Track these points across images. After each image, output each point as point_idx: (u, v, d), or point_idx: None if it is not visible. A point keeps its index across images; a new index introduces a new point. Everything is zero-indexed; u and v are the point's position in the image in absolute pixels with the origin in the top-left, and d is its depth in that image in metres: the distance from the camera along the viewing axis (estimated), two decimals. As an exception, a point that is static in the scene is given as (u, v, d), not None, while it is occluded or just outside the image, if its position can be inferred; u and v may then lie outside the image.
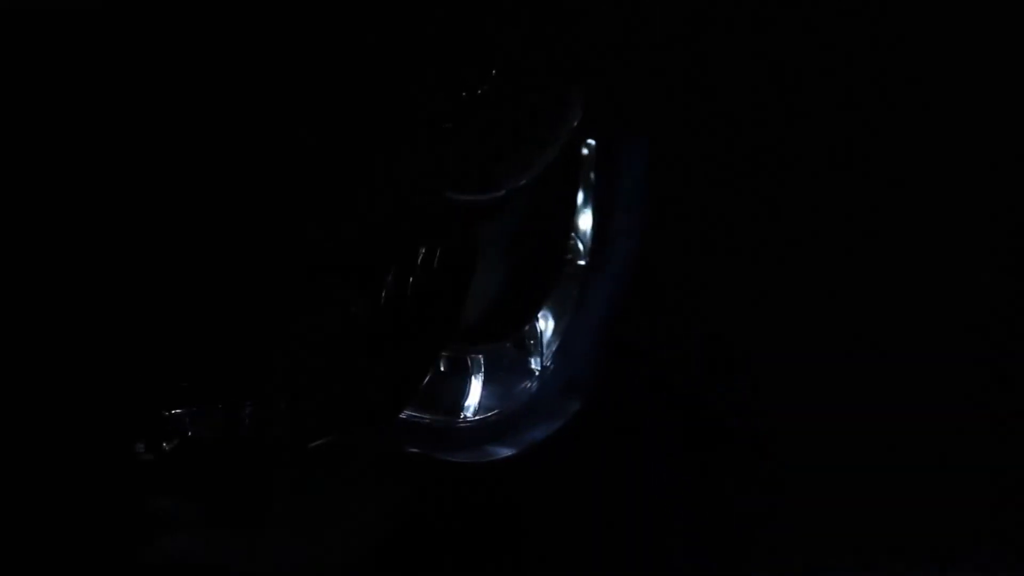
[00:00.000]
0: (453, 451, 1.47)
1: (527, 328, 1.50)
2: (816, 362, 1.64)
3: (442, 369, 1.47)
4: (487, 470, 1.47)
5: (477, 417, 1.48)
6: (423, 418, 1.46)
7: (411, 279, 1.36)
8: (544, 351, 1.50)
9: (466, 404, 1.48)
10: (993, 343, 1.67)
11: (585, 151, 1.52)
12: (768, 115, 1.59)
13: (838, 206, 1.61)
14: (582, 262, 1.52)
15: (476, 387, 1.47)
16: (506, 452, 1.48)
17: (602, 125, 1.49)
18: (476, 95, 1.30)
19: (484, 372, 1.50)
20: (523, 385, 1.50)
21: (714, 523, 1.62)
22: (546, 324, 1.52)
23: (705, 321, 1.62)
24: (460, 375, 1.47)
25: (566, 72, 1.34)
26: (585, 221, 1.54)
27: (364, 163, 1.32)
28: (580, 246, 1.52)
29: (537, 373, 1.51)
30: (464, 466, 1.46)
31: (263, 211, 1.32)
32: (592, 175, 1.51)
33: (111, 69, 1.24)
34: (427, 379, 1.46)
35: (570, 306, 1.51)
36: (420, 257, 1.36)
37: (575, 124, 1.36)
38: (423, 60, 1.28)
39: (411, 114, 1.30)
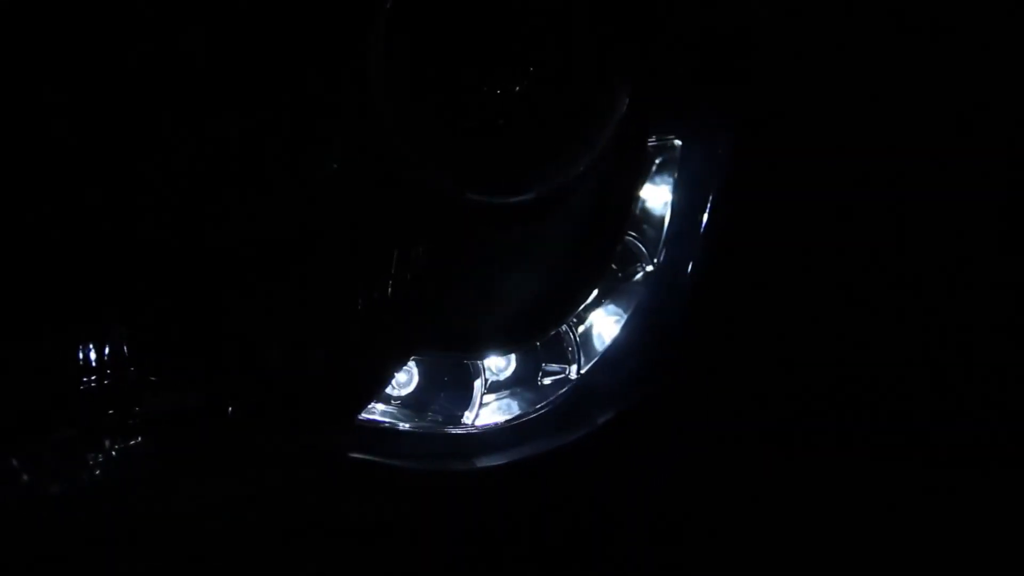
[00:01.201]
0: (459, 459, 1.46)
1: (564, 334, 1.48)
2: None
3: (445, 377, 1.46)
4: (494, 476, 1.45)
5: (483, 425, 1.46)
6: (429, 427, 1.45)
7: (391, 283, 1.35)
8: (582, 358, 1.48)
9: (467, 413, 1.46)
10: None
11: (670, 151, 1.49)
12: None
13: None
14: (648, 267, 1.48)
15: (479, 394, 1.45)
16: (516, 459, 1.46)
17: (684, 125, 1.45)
18: (511, 94, 1.29)
19: (514, 377, 1.49)
20: (553, 393, 1.48)
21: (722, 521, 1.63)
22: (595, 330, 1.50)
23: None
24: (466, 382, 1.45)
25: (607, 73, 1.32)
26: (656, 224, 1.48)
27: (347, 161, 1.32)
28: (644, 250, 1.49)
29: (572, 380, 1.48)
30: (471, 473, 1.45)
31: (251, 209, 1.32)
32: (676, 175, 1.48)
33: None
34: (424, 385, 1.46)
35: (630, 312, 1.48)
36: (396, 261, 1.35)
37: (616, 129, 1.32)
38: (449, 58, 1.27)
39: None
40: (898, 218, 1.66)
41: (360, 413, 1.40)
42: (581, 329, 1.49)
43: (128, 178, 1.29)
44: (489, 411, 1.47)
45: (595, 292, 1.48)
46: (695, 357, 1.52)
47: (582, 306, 1.46)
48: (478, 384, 1.44)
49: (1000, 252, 1.68)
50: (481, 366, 1.45)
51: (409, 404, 1.45)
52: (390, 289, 1.34)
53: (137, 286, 1.31)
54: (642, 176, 1.46)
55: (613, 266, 1.48)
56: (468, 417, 1.45)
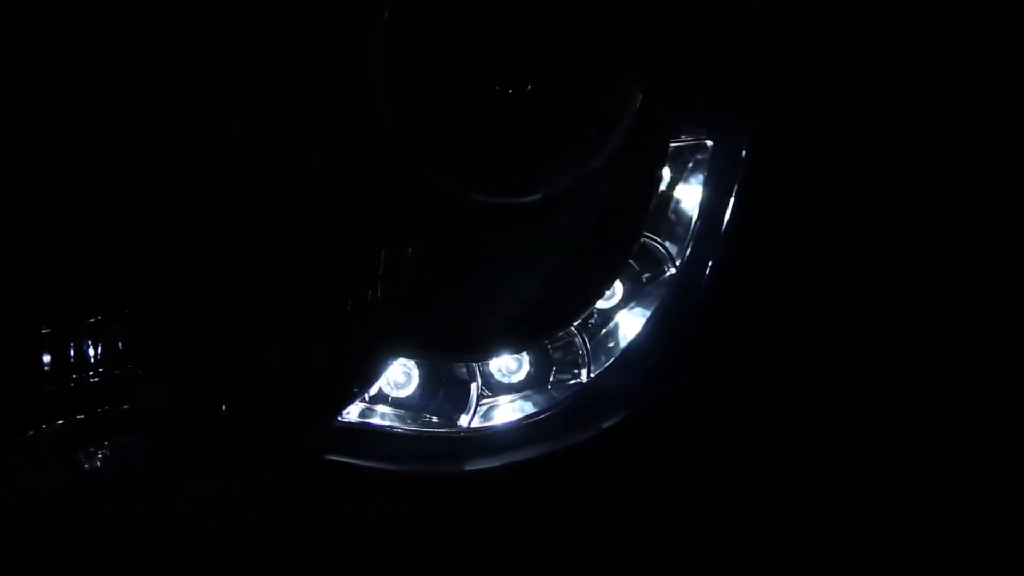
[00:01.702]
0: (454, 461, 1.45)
1: (575, 337, 1.46)
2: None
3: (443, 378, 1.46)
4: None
5: (478, 428, 1.46)
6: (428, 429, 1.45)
7: (379, 283, 1.35)
8: (593, 362, 1.47)
9: (464, 416, 1.45)
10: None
11: (703, 151, 1.47)
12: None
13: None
14: (672, 270, 1.47)
15: (475, 397, 1.45)
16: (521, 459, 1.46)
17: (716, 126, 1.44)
18: (512, 94, 1.29)
19: (526, 380, 1.47)
20: (560, 396, 1.47)
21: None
22: (618, 333, 1.48)
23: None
24: (464, 384, 1.45)
25: (608, 73, 1.32)
26: (687, 225, 1.47)
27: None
28: (669, 252, 1.46)
29: (582, 383, 1.47)
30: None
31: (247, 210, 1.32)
32: (704, 175, 1.46)
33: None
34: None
35: (650, 315, 1.46)
36: (385, 261, 1.35)
37: (625, 130, 1.31)
38: (449, 58, 1.27)
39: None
40: (898, 218, 1.66)
41: (342, 412, 1.40)
42: (604, 331, 1.48)
43: (128, 178, 1.29)
44: (495, 413, 1.46)
45: (621, 295, 1.48)
46: (699, 358, 1.51)
47: (590, 308, 1.45)
48: (474, 387, 1.44)
49: (1000, 252, 1.68)
50: (477, 369, 1.45)
51: (407, 406, 1.45)
52: (379, 290, 1.34)
53: (137, 286, 1.31)
54: (659, 177, 1.44)
55: (637, 268, 1.47)
56: (464, 420, 1.45)
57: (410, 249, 1.34)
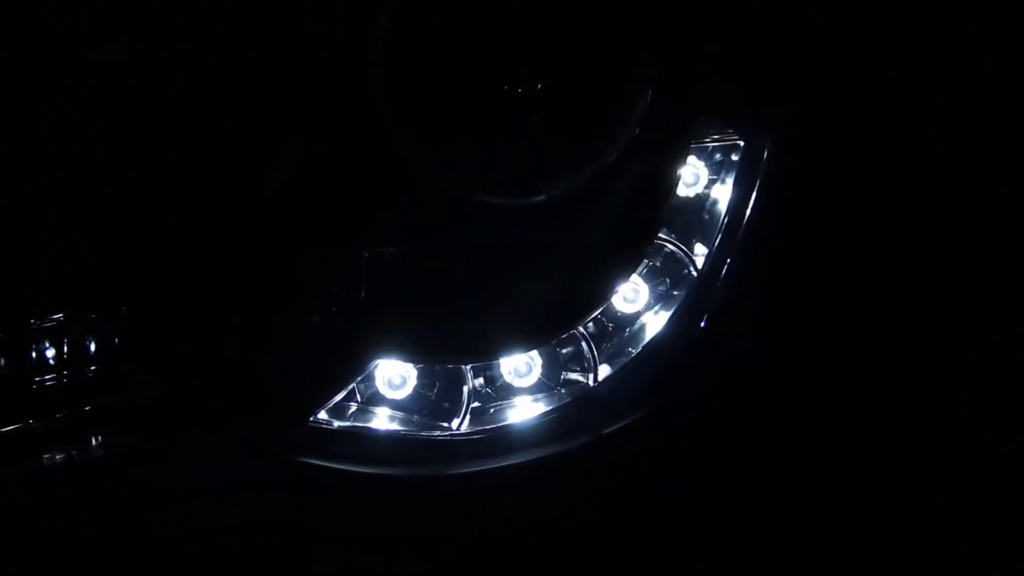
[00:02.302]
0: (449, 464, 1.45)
1: (581, 342, 1.46)
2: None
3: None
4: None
5: (472, 430, 1.46)
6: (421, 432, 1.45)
7: (363, 283, 1.35)
8: (596, 367, 1.46)
9: (455, 419, 1.46)
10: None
11: (736, 153, 1.47)
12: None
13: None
14: (693, 273, 1.46)
15: (467, 399, 1.45)
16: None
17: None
18: (514, 94, 1.28)
19: (538, 384, 1.48)
20: (565, 400, 1.47)
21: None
22: (636, 337, 1.48)
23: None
24: (458, 387, 1.45)
25: (611, 74, 1.31)
26: (714, 226, 1.47)
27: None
28: (685, 254, 1.46)
29: (589, 388, 1.47)
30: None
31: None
32: (733, 177, 1.46)
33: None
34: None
35: (666, 320, 1.47)
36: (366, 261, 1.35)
37: (635, 130, 1.32)
38: (451, 58, 1.27)
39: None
40: (898, 218, 1.66)
41: (316, 412, 1.40)
42: (626, 335, 1.49)
43: (127, 177, 1.29)
44: (501, 416, 1.47)
45: (646, 298, 1.48)
46: (708, 361, 1.51)
47: (596, 312, 1.44)
48: (466, 390, 1.44)
49: (1000, 252, 1.68)
50: (469, 371, 1.45)
51: (402, 408, 1.45)
52: (363, 290, 1.34)
53: (134, 284, 1.31)
54: (676, 178, 1.43)
55: (662, 270, 1.48)
56: (455, 423, 1.45)
57: (393, 249, 1.34)
